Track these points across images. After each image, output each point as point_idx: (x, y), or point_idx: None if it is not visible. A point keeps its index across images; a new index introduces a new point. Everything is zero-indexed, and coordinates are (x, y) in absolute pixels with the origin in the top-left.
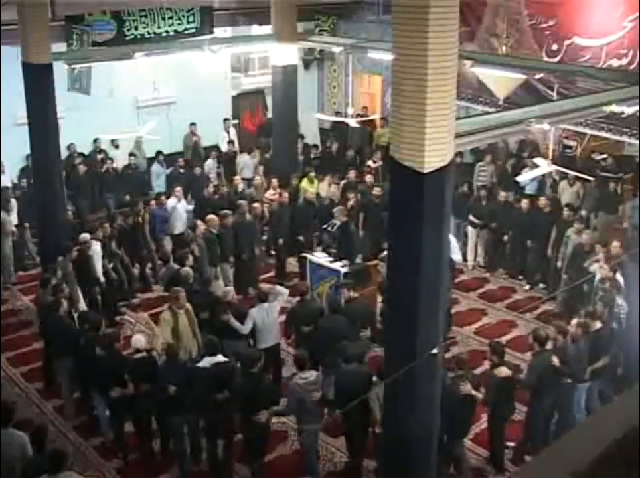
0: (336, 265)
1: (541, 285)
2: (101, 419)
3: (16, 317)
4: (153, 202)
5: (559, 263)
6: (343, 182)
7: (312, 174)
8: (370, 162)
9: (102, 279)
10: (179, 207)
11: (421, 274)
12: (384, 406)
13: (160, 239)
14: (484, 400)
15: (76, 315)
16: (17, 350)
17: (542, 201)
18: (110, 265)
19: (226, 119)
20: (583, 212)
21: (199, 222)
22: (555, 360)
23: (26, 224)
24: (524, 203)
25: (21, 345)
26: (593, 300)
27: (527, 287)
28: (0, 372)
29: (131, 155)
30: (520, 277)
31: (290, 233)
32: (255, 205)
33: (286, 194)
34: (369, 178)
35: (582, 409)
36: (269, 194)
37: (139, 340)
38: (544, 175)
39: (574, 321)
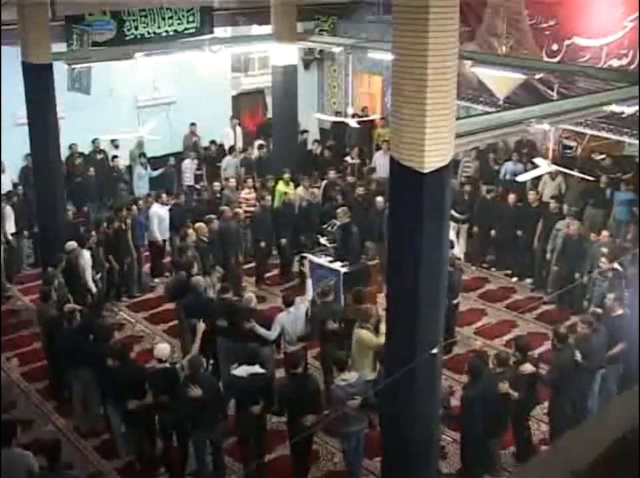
0: (336, 265)
1: (528, 280)
2: (117, 436)
3: (16, 317)
4: (134, 208)
5: (547, 256)
6: (324, 182)
7: (287, 176)
8: (347, 159)
9: (94, 288)
10: (162, 213)
11: (421, 274)
12: (384, 406)
13: (140, 245)
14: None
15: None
16: (17, 350)
17: (531, 195)
18: (98, 275)
19: (232, 118)
20: (565, 206)
21: (190, 231)
22: (578, 355)
23: (25, 233)
24: (511, 197)
25: (21, 345)
26: (590, 290)
27: (514, 279)
28: (0, 372)
29: (114, 157)
30: (508, 272)
31: (271, 237)
32: (238, 210)
33: (268, 197)
34: (350, 178)
35: (595, 395)
36: (245, 194)
37: (162, 349)
38: (525, 170)
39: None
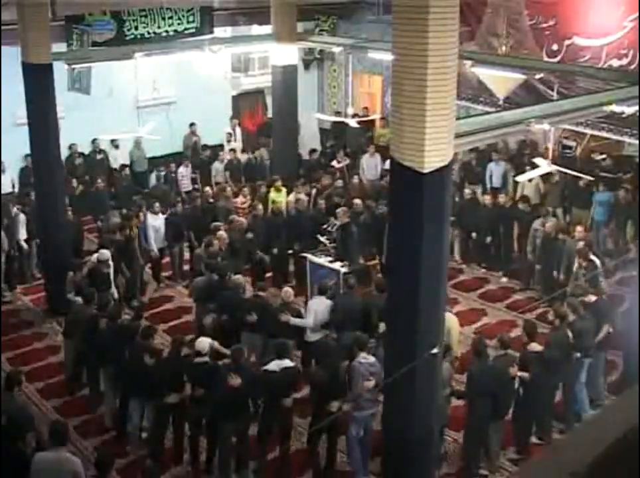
0: (336, 265)
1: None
2: (131, 431)
3: (16, 317)
4: (141, 215)
5: (529, 256)
6: (314, 190)
7: (278, 183)
8: (334, 163)
9: (116, 293)
10: (157, 224)
11: (421, 274)
12: (384, 406)
13: (145, 254)
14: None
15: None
16: (17, 350)
17: (501, 197)
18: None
19: (232, 118)
20: (550, 208)
21: (215, 241)
22: (570, 335)
23: (37, 240)
24: (487, 198)
25: (21, 345)
26: (575, 282)
27: (504, 279)
28: (0, 372)
29: (123, 167)
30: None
31: (264, 245)
32: (242, 219)
33: (260, 206)
34: (338, 181)
35: (582, 383)
36: (240, 201)
37: (203, 342)
38: (506, 171)
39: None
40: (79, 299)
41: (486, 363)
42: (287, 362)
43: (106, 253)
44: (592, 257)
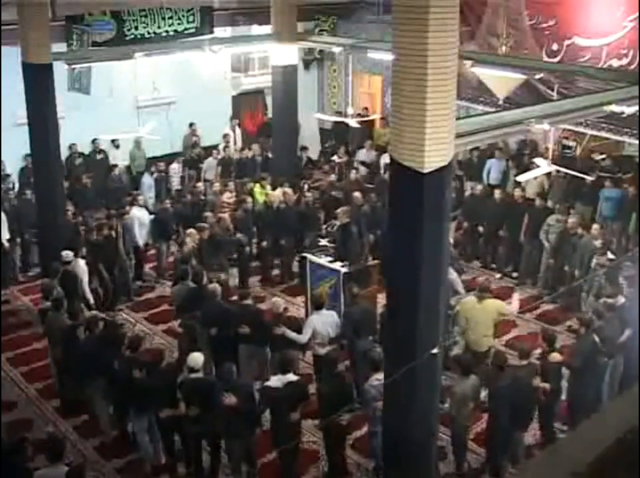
0: (336, 265)
1: (514, 274)
2: (140, 442)
3: (16, 317)
4: (125, 217)
5: (534, 252)
6: (303, 183)
7: (264, 180)
8: (335, 158)
9: (91, 298)
10: (140, 215)
11: (421, 274)
12: (384, 406)
13: (129, 251)
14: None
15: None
16: (17, 350)
17: (517, 192)
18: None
19: (232, 118)
20: (550, 203)
21: (188, 239)
22: (598, 341)
23: (18, 239)
24: (497, 193)
25: (21, 345)
26: (589, 283)
27: (498, 276)
28: (0, 372)
29: (114, 166)
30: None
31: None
32: (224, 216)
33: (249, 200)
34: (332, 177)
35: (606, 384)
36: (227, 197)
37: (196, 358)
38: (508, 167)
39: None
40: (49, 305)
41: (509, 374)
42: (290, 377)
43: (69, 254)
44: (610, 255)
